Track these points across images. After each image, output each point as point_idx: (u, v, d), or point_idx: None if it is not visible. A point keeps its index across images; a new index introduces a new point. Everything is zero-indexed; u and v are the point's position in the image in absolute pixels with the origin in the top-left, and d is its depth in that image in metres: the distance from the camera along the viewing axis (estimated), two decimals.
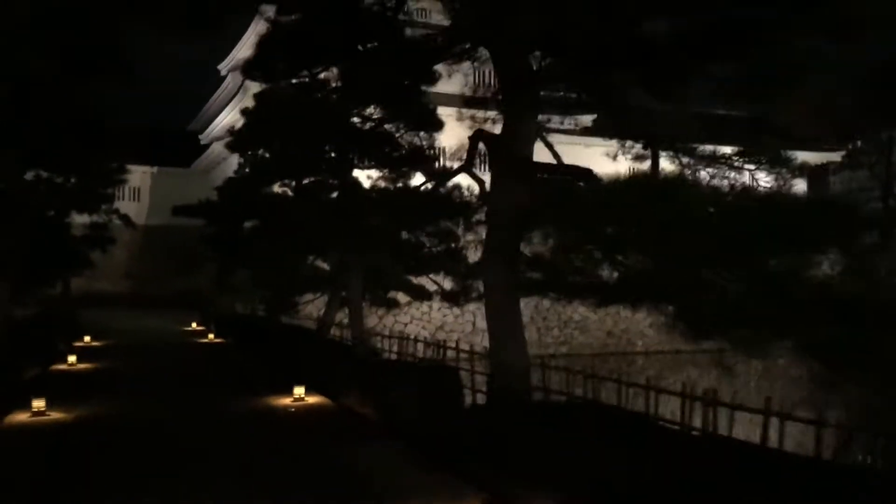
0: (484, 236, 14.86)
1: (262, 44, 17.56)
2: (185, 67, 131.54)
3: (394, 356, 19.59)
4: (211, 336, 30.53)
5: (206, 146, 56.38)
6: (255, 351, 24.93)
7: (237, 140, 26.63)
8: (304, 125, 19.29)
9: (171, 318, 39.87)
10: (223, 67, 56.24)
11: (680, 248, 8.78)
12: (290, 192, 29.33)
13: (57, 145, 18.92)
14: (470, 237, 15.89)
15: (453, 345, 17.80)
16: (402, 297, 24.82)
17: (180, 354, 25.94)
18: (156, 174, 59.47)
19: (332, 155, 20.39)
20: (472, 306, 39.50)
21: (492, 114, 13.28)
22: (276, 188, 30.23)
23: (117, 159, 28.40)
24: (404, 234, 18.15)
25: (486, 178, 13.81)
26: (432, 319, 43.44)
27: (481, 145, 12.63)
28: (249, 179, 29.80)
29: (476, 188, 13.76)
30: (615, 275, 11.31)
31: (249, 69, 18.50)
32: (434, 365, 14.77)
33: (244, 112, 28.60)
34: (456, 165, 14.12)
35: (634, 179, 9.56)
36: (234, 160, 49.59)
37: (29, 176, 23.23)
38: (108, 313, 40.26)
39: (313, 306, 27.68)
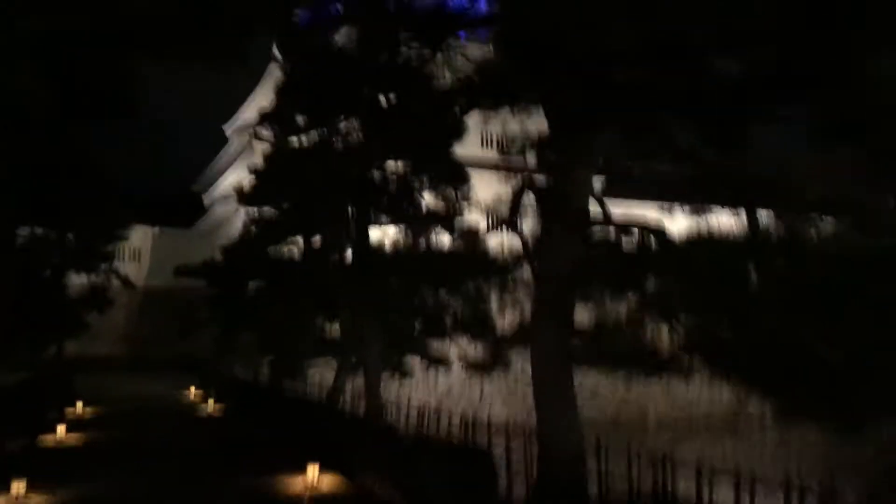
0: (521, 298, 13.37)
1: (281, 92, 16.31)
2: (188, 128, 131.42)
3: (411, 428, 17.90)
4: (211, 403, 28.63)
5: (209, 207, 55.29)
6: (259, 420, 23.06)
7: (247, 196, 25.34)
8: (319, 179, 17.97)
9: (169, 383, 37.98)
10: (228, 128, 55.47)
11: (791, 312, 7.29)
12: (297, 252, 28.00)
13: (55, 197, 17.51)
14: (503, 299, 14.30)
15: (483, 418, 16.13)
16: (417, 364, 23.17)
17: (178, 424, 24.05)
18: (157, 234, 58.17)
19: (349, 211, 18.97)
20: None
21: (534, 160, 11.88)
22: (284, 248, 28.85)
23: (118, 216, 26.93)
24: (427, 296, 16.59)
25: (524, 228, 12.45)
26: (439, 386, 41.60)
27: (527, 196, 11.21)
28: (256, 238, 28.39)
29: (517, 244, 12.27)
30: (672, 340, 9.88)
31: (265, 120, 17.20)
32: (464, 445, 13.02)
33: (253, 169, 27.41)
34: (493, 219, 12.67)
35: (727, 236, 8.10)
36: (238, 220, 48.36)
37: (23, 232, 21.78)
38: (103, 377, 38.42)
39: (322, 372, 25.98)
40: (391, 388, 35.25)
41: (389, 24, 15.85)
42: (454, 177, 15.20)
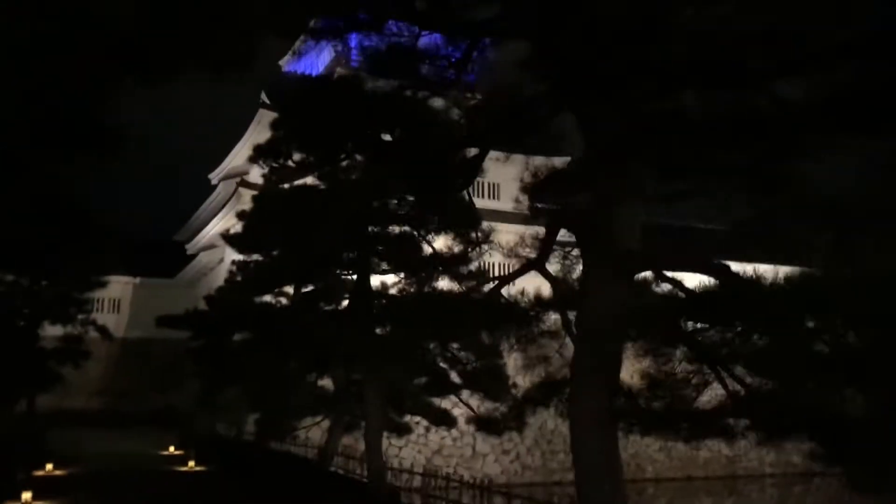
0: (545, 351, 11.94)
1: (276, 125, 15.02)
2: (172, 177, 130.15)
3: (415, 495, 16.23)
4: (191, 464, 26.65)
5: (193, 257, 53.70)
6: (244, 484, 21.18)
7: (235, 241, 23.89)
8: (314, 222, 16.59)
9: (147, 440, 35.82)
10: (214, 177, 54.23)
11: None
12: (286, 301, 26.44)
13: (27, 238, 15.97)
14: (525, 351, 12.83)
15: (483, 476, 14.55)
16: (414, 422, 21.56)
17: (156, 488, 22.05)
18: (137, 285, 56.33)
19: (347, 257, 17.56)
20: (470, 428, 36.27)
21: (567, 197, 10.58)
22: (272, 298, 27.28)
23: (97, 261, 25.28)
24: (434, 349, 15.09)
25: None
26: (429, 443, 39.84)
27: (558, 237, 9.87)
28: (243, 286, 26.84)
29: (544, 290, 10.86)
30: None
31: (259, 156, 15.89)
32: None
33: (241, 213, 26.08)
34: (516, 264, 11.28)
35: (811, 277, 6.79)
36: (223, 270, 46.77)
37: None
38: (78, 434, 36.17)
39: (311, 431, 24.25)
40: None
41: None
42: (466, 220, 13.84)
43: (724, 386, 8.67)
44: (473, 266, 13.30)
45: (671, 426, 9.56)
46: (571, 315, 10.64)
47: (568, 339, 11.32)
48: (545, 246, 10.18)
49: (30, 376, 25.31)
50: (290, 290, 27.01)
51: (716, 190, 9.32)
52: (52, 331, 29.68)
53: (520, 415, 11.89)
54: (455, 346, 14.66)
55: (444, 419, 18.01)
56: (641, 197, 8.89)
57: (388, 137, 14.52)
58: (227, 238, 26.82)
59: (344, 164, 15.64)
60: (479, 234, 13.08)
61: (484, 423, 15.07)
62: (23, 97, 11.17)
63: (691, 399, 9.03)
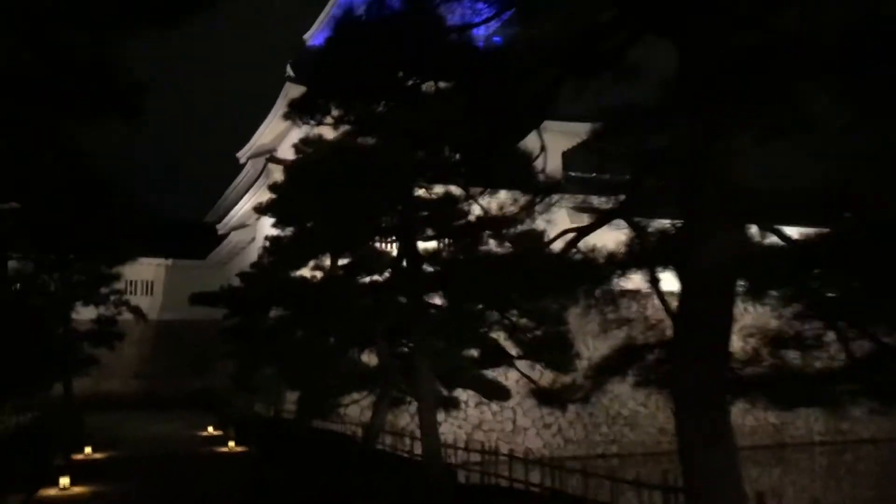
0: (626, 313, 10.62)
1: (313, 79, 13.73)
2: (198, 159, 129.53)
3: (471, 473, 15.07)
4: (231, 444, 25.78)
5: (223, 237, 52.78)
6: (287, 464, 20.14)
7: (268, 212, 22.76)
8: (354, 186, 15.33)
9: (184, 422, 35.14)
10: (242, 155, 53.08)
11: None
12: (321, 276, 25.30)
13: (57, 215, 14.90)
14: (602, 315, 11.49)
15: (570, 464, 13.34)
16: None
17: (197, 470, 21.15)
18: (170, 267, 55.65)
19: (389, 222, 16.27)
20: (511, 402, 34.96)
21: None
22: (307, 272, 26.16)
23: (126, 240, 24.22)
24: (490, 318, 13.80)
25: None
26: (468, 417, 38.65)
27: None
28: (278, 261, 25.76)
29: (617, 243, 9.48)
30: None
31: (294, 114, 14.63)
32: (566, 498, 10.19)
33: (274, 187, 24.89)
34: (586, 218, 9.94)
35: None
36: (254, 249, 45.84)
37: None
38: (115, 417, 35.62)
39: (353, 408, 23.18)
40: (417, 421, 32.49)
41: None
42: (526, 172, 12.44)
43: (846, 347, 7.39)
44: (537, 223, 11.93)
45: (786, 393, 8.30)
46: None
47: (654, 300, 10.02)
48: (631, 193, 8.83)
49: (64, 359, 24.41)
50: (326, 262, 25.92)
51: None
52: (85, 313, 28.83)
53: (597, 385, 10.56)
54: (515, 312, 13.37)
55: (496, 392, 16.79)
56: (749, 132, 7.50)
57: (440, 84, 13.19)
58: (261, 210, 25.71)
59: (386, 113, 14.25)
60: (541, 187, 11.71)
61: (546, 396, 13.79)
62: (34, 47, 10.04)
63: (806, 362, 7.78)
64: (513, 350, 14.56)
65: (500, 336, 15.05)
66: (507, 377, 19.31)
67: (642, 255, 9.06)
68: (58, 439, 23.73)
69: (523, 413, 39.22)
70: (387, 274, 18.60)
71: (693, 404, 7.69)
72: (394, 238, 16.88)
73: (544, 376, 15.58)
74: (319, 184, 16.59)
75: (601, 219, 9.53)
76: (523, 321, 13.29)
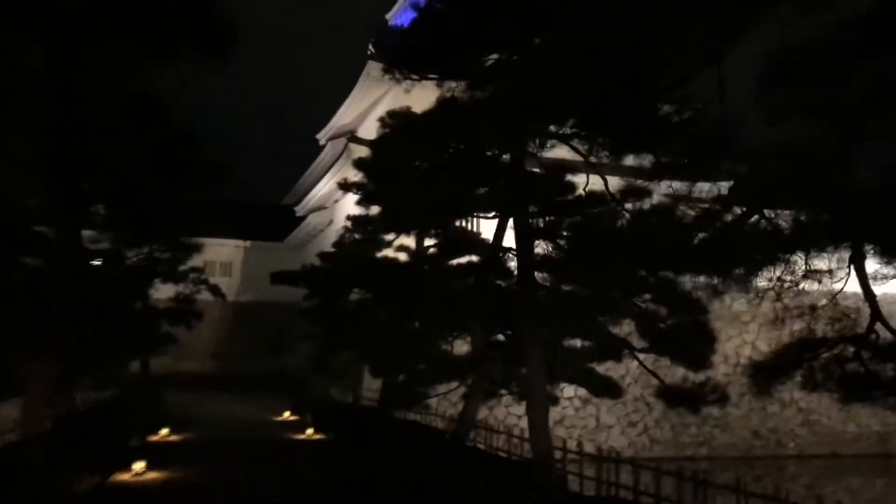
0: (809, 299, 8.59)
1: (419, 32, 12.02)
2: (277, 141, 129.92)
3: (585, 479, 13.16)
4: (310, 432, 24.46)
5: (301, 219, 51.96)
6: (371, 457, 18.61)
7: (358, 188, 21.29)
8: (453, 153, 13.58)
9: (260, 404, 34.19)
10: (322, 137, 52.12)
11: None
12: (405, 258, 23.75)
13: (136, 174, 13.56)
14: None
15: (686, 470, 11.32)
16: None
17: (275, 459, 19.79)
18: (248, 248, 55.16)
19: (490, 196, 14.44)
20: (594, 398, 32.84)
21: None
22: (391, 252, 24.63)
23: (207, 214, 22.94)
24: (612, 304, 11.87)
25: None
26: (550, 412, 36.45)
27: None
28: (363, 241, 24.33)
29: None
30: None
31: (389, 69, 12.96)
32: None
33: (359, 163, 23.42)
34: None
35: None
36: (332, 232, 44.66)
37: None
38: (192, 396, 34.89)
39: (441, 399, 21.55)
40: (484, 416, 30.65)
41: None
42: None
43: None
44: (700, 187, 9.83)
45: None
46: None
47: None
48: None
49: (142, 337, 23.45)
50: (410, 243, 24.34)
51: None
52: (164, 291, 27.91)
53: (763, 386, 8.55)
54: (647, 297, 11.42)
55: (608, 389, 14.82)
56: None
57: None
58: (345, 186, 24.31)
59: (499, 66, 12.40)
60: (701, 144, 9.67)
61: (676, 396, 11.81)
62: None
63: None
64: (635, 341, 12.58)
65: (622, 325, 13.10)
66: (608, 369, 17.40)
67: (845, 227, 7.04)
68: (134, 419, 22.84)
69: (606, 410, 37.10)
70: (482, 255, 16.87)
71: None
72: (496, 213, 15.02)
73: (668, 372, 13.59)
74: (414, 150, 14.90)
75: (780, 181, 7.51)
76: (655, 307, 11.31)
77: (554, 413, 35.90)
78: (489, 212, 15.14)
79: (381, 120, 22.86)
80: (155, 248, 23.50)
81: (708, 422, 39.51)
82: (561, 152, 13.11)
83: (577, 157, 12.85)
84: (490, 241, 16.23)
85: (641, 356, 12.72)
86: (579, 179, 13.26)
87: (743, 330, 40.01)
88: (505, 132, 12.12)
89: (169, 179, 14.14)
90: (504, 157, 13.31)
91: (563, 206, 13.24)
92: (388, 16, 52.65)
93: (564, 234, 12.12)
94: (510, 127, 11.94)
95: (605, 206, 12.58)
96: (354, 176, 23.98)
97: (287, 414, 30.78)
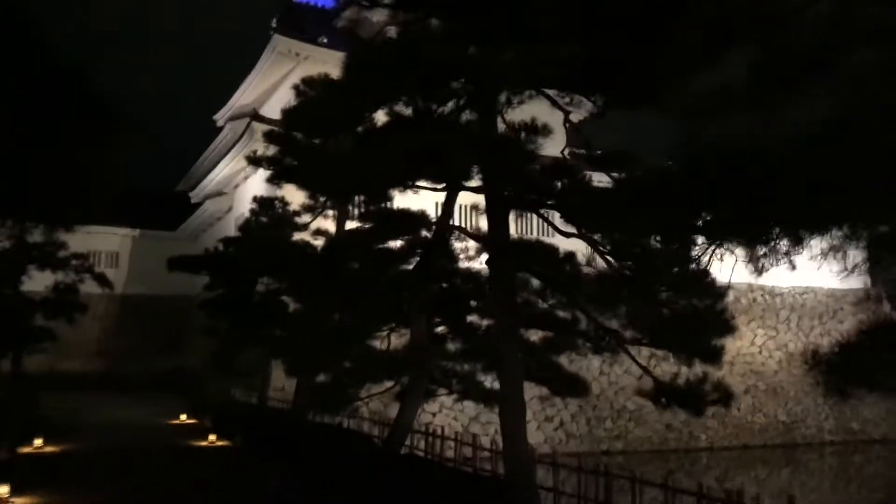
0: None
1: None
2: (167, 126, 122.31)
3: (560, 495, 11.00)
4: (212, 438, 21.33)
5: (197, 206, 48.10)
6: (292, 469, 15.78)
7: (269, 162, 18.51)
8: (397, 96, 11.10)
9: (153, 407, 30.55)
10: (220, 118, 48.34)
11: None
12: (322, 242, 21.08)
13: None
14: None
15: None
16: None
17: (176, 474, 16.64)
18: (137, 238, 50.74)
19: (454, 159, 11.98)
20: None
21: None
22: (308, 236, 21.87)
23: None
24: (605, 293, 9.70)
25: None
26: (465, 409, 34.50)
27: None
28: (277, 221, 21.50)
29: None
30: None
31: None
32: None
33: (271, 135, 20.62)
34: None
35: None
36: (232, 219, 41.21)
37: None
38: (75, 398, 30.83)
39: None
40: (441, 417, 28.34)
41: None
42: None
43: None
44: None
45: None
46: None
47: None
48: None
49: (12, 331, 19.80)
50: (329, 226, 21.69)
51: None
52: (41, 280, 24.13)
53: (833, 388, 6.58)
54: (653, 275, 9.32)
55: (573, 388, 12.69)
56: None
57: None
58: (255, 160, 21.38)
59: None
60: None
61: (671, 396, 9.78)
62: None
63: None
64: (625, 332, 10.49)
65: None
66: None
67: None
68: (2, 427, 19.20)
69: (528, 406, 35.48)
70: (426, 234, 14.48)
71: None
72: (447, 184, 12.64)
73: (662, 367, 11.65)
74: (345, 108, 12.32)
75: None
76: (661, 294, 9.22)
77: (468, 409, 34.07)
78: (441, 181, 12.73)
79: (296, 88, 20.19)
80: (27, 227, 19.86)
81: (623, 416, 38.69)
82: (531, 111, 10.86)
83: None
84: (437, 219, 13.89)
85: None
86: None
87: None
88: (477, 77, 9.77)
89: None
90: (468, 112, 10.95)
91: (551, 171, 10.88)
92: None
93: (550, 203, 9.86)
94: (485, 70, 9.60)
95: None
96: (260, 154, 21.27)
97: (184, 417, 27.43)
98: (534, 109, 10.57)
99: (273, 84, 40.54)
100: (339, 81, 11.91)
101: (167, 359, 40.86)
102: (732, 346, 35.81)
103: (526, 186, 10.04)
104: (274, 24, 39.74)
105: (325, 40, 38.59)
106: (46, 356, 31.09)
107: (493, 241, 10.45)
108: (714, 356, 9.02)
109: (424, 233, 14.07)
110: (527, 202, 10.27)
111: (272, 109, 35.64)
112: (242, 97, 44.30)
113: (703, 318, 8.90)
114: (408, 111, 11.32)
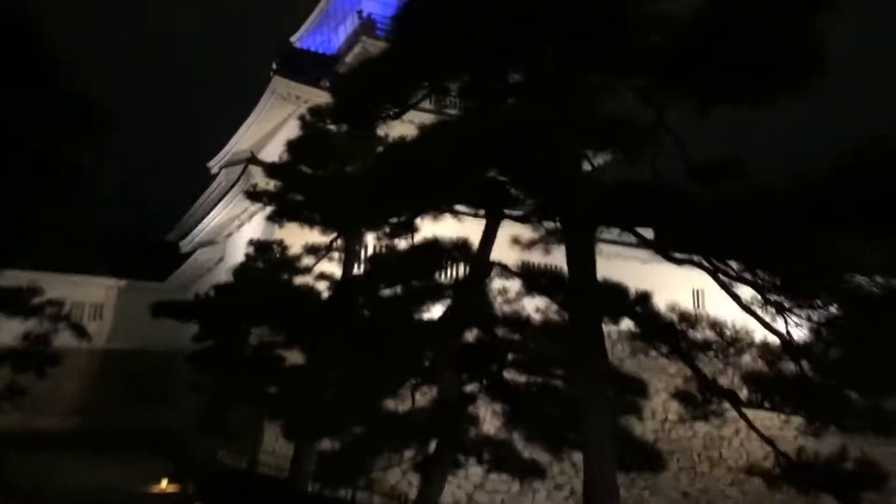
0: None
1: None
2: (158, 177, 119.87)
3: None
4: None
5: (187, 256, 45.58)
6: None
7: (270, 197, 16.21)
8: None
9: (132, 469, 27.52)
10: (215, 164, 46.24)
11: None
12: (325, 287, 18.67)
13: None
14: None
15: None
16: None
17: None
18: (123, 288, 47.84)
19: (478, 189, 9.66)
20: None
21: None
22: (311, 280, 19.43)
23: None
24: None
25: None
26: (469, 475, 31.35)
27: None
28: (277, 265, 19.06)
29: None
30: None
31: None
32: None
33: (273, 168, 18.35)
34: None
35: None
36: (223, 270, 38.56)
37: None
38: (47, 459, 27.88)
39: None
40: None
41: None
42: None
43: None
44: None
45: None
46: None
47: None
48: None
49: None
50: (335, 270, 19.26)
51: None
52: (8, 329, 21.41)
53: None
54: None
55: (647, 459, 10.14)
56: None
57: None
58: (254, 195, 19.05)
59: None
60: None
61: (820, 477, 7.23)
62: None
63: None
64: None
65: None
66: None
67: None
68: None
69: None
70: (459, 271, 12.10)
71: None
72: (487, 210, 10.32)
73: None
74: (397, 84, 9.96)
75: None
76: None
77: (473, 476, 31.06)
78: (480, 207, 10.40)
79: (302, 119, 18.04)
80: None
81: (637, 484, 35.75)
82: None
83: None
84: (476, 251, 11.47)
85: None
86: None
87: (669, 383, 36.83)
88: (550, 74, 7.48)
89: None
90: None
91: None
92: (293, 38, 47.90)
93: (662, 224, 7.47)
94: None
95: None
96: (252, 205, 19.02)
97: (165, 483, 24.44)
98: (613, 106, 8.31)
99: (272, 129, 38.66)
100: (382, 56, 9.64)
101: (150, 417, 37.75)
102: None
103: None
104: (274, 68, 38.01)
105: (328, 84, 36.77)
106: (18, 413, 28.14)
107: (577, 281, 8.01)
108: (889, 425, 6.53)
109: (458, 269, 11.66)
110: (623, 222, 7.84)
111: (269, 155, 33.61)
112: (239, 143, 42.32)
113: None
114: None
